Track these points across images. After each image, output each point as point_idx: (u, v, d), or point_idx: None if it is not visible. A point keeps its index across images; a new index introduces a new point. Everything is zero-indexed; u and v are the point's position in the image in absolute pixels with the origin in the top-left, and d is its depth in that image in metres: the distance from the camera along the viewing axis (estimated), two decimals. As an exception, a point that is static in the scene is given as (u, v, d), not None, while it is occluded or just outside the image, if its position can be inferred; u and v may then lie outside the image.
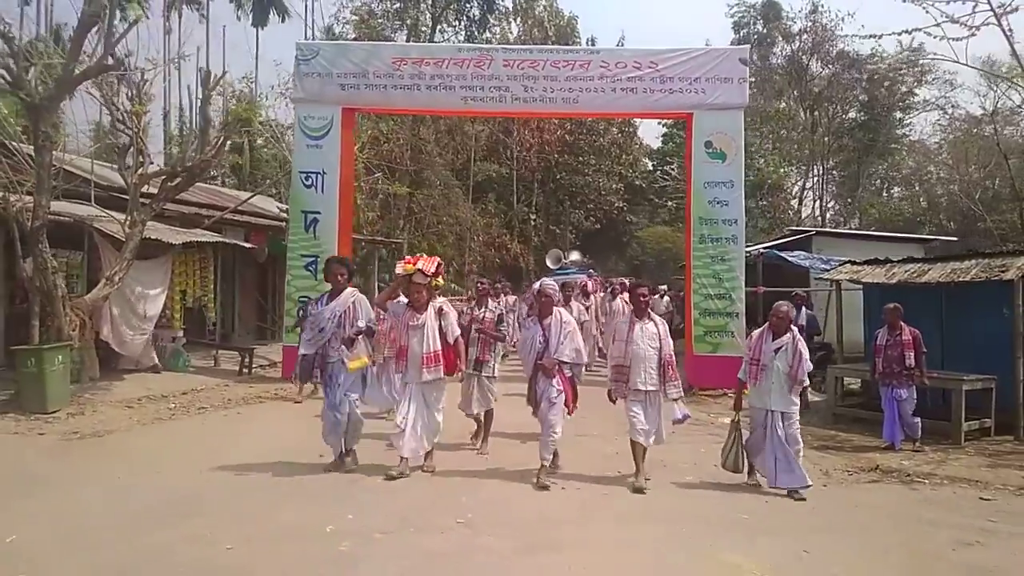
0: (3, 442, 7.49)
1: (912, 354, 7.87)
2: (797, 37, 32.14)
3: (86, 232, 10.72)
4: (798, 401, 6.13)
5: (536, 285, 6.49)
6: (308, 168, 11.67)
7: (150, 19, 19.36)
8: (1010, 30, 8.64)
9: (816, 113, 32.58)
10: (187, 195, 12.88)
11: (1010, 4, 8.35)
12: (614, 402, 6.32)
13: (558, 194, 33.67)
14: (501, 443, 7.42)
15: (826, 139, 31.91)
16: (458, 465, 6.62)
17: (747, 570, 4.41)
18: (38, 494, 5.69)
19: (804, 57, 32.18)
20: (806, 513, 5.63)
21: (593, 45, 31.94)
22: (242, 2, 32.35)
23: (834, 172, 34.12)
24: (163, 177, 11.22)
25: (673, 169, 31.10)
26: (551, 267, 20.56)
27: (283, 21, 33.58)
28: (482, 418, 7.35)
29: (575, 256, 22.83)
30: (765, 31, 33.40)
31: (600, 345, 13.00)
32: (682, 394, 6.33)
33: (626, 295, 10.38)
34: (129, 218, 10.32)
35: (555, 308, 6.27)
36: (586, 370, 12.69)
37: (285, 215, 14.00)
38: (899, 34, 9.78)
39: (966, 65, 11.30)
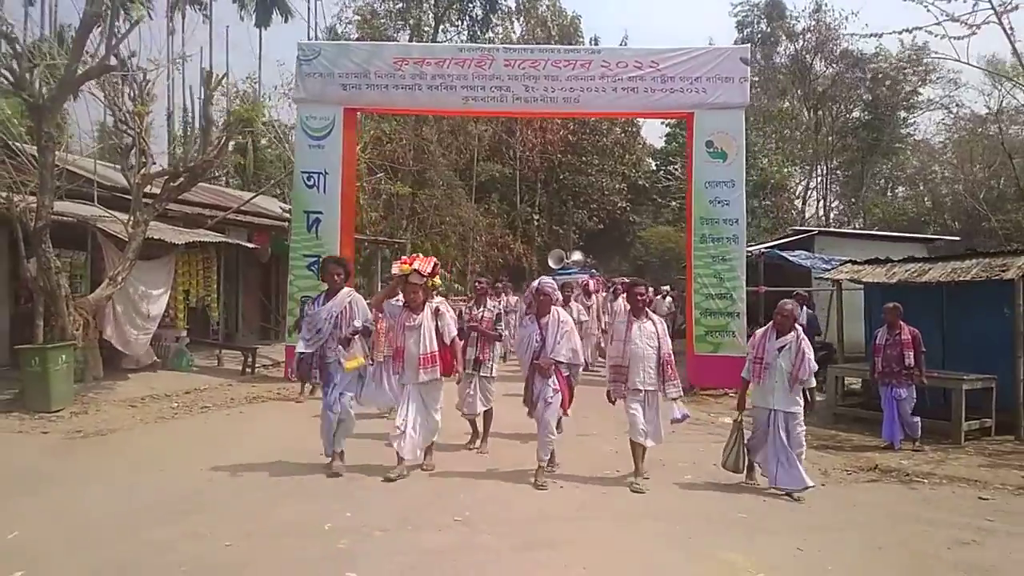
0: (7, 440, 7.55)
1: (911, 353, 7.86)
2: (801, 36, 32.13)
3: (89, 232, 10.78)
4: (802, 401, 6.06)
5: (535, 284, 6.44)
6: (310, 168, 11.71)
7: (153, 20, 19.41)
8: (1011, 28, 8.62)
9: (820, 112, 32.54)
10: (190, 195, 12.94)
11: (1011, 2, 8.32)
12: (613, 403, 6.30)
13: (561, 194, 33.69)
14: (500, 443, 7.44)
15: (830, 138, 31.88)
16: (457, 464, 6.64)
17: (743, 568, 4.42)
18: (41, 492, 5.74)
19: (808, 56, 32.16)
20: (804, 512, 5.64)
21: (596, 45, 31.95)
22: (245, 2, 32.37)
23: (838, 172, 34.08)
24: (165, 177, 11.27)
25: (677, 169, 31.07)
26: (553, 267, 20.62)
27: (286, 21, 33.53)
28: (478, 419, 7.35)
29: (577, 256, 22.88)
30: (769, 30, 33.38)
31: (603, 345, 13.01)
32: (681, 393, 6.29)
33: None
34: (132, 218, 10.37)
35: (553, 307, 6.24)
36: (586, 370, 12.78)
37: (288, 215, 14.05)
38: (900, 33, 9.76)
39: (968, 64, 11.29)
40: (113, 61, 10.12)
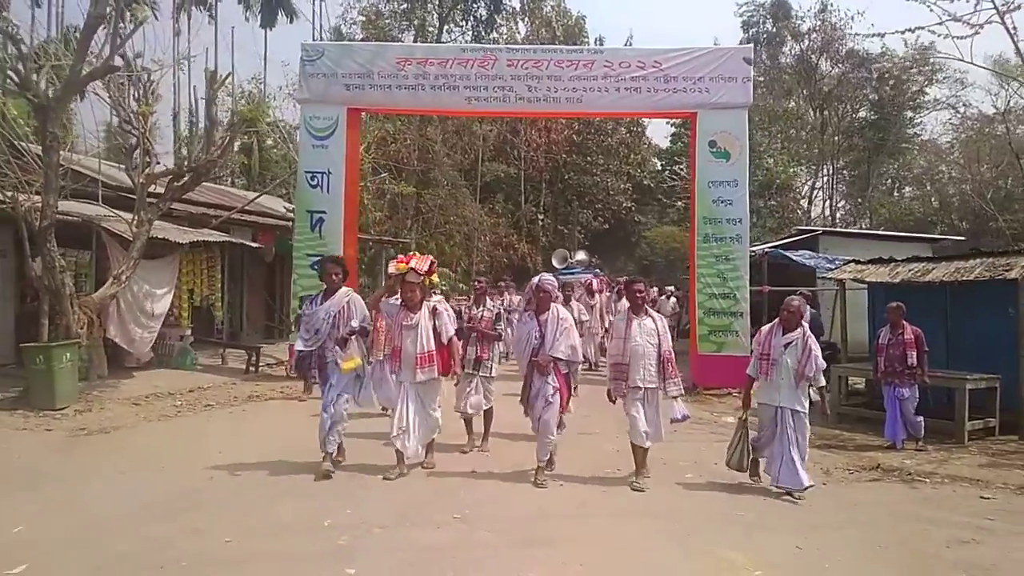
0: (12, 438, 7.61)
1: (914, 353, 7.83)
2: (806, 36, 32.07)
3: (94, 231, 10.85)
4: (807, 400, 5.99)
5: (534, 280, 6.36)
6: (314, 168, 11.73)
7: (159, 20, 19.51)
8: (1014, 28, 8.58)
9: (826, 112, 32.46)
10: (195, 195, 13.01)
11: (1013, 2, 8.28)
12: (613, 402, 6.25)
13: (566, 194, 33.67)
14: (500, 442, 7.44)
15: (836, 138, 31.79)
16: (456, 463, 6.65)
17: (742, 566, 4.42)
18: (44, 488, 5.78)
19: (813, 56, 32.08)
20: (805, 511, 5.63)
21: (601, 45, 31.92)
22: (250, 3, 32.53)
23: (844, 172, 33.97)
24: (170, 177, 11.33)
25: (682, 169, 31.01)
26: (557, 267, 20.60)
27: (291, 22, 33.74)
28: (475, 420, 7.32)
29: (581, 256, 22.84)
30: (774, 30, 33.33)
31: (607, 344, 12.99)
32: (682, 391, 6.23)
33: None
34: (136, 217, 10.43)
35: (552, 304, 6.20)
36: (591, 369, 12.79)
37: (292, 215, 14.10)
38: (903, 32, 9.73)
39: (972, 64, 11.25)
40: (118, 62, 10.17)
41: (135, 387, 10.30)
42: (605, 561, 4.49)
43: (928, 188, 31.86)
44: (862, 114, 32.23)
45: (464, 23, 31.42)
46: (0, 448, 7.16)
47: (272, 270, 16.91)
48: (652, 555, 4.63)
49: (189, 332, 12.62)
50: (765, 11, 33.56)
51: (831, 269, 12.11)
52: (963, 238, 20.85)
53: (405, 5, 29.85)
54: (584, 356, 10.21)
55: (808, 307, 11.21)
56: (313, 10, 54.98)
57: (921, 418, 7.87)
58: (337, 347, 6.14)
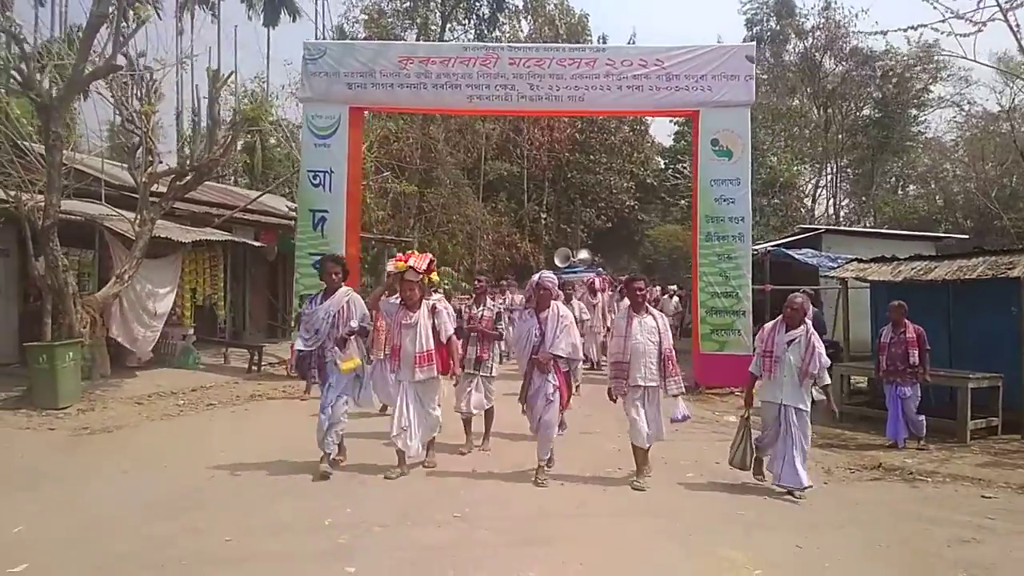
0: (15, 437, 7.63)
1: (916, 352, 7.81)
2: (810, 34, 31.94)
3: (97, 231, 10.88)
4: (809, 398, 5.96)
5: (535, 277, 6.32)
6: (316, 167, 11.75)
7: (162, 19, 19.54)
8: (1017, 26, 8.53)
9: (829, 110, 32.34)
10: (197, 194, 13.04)
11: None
12: (614, 401, 6.22)
13: (569, 193, 33.63)
14: (500, 442, 7.44)
15: (840, 136, 31.66)
16: (456, 463, 6.65)
17: (742, 565, 4.42)
18: (46, 487, 5.80)
19: (817, 54, 31.96)
20: (805, 510, 5.62)
21: (603, 43, 31.86)
22: (253, 2, 32.59)
23: (848, 170, 33.83)
24: (172, 176, 11.35)
25: (685, 167, 30.92)
26: (559, 266, 20.59)
27: (294, 21, 33.84)
28: (474, 421, 7.30)
29: (584, 255, 22.85)
30: (778, 28, 33.21)
31: (609, 343, 12.97)
32: (683, 390, 6.19)
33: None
34: (139, 217, 10.46)
35: (553, 302, 6.17)
36: (594, 368, 12.79)
37: (294, 214, 14.11)
38: (906, 30, 9.67)
39: (976, 61, 11.18)
40: (121, 61, 10.19)
41: (138, 386, 10.33)
42: (605, 560, 4.49)
43: (932, 186, 31.73)
44: (866, 112, 32.11)
45: (467, 21, 31.42)
46: (3, 447, 7.19)
47: (274, 269, 16.94)
48: (652, 554, 4.63)
49: (191, 331, 12.66)
50: (769, 9, 33.46)
51: (834, 268, 12.09)
52: (967, 236, 20.77)
53: (408, 4, 29.85)
54: (586, 355, 10.22)
55: (811, 306, 11.22)
56: (316, 9, 55.29)
57: (923, 417, 7.86)
58: (336, 347, 6.11)
